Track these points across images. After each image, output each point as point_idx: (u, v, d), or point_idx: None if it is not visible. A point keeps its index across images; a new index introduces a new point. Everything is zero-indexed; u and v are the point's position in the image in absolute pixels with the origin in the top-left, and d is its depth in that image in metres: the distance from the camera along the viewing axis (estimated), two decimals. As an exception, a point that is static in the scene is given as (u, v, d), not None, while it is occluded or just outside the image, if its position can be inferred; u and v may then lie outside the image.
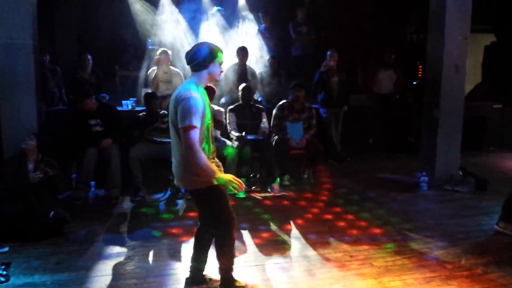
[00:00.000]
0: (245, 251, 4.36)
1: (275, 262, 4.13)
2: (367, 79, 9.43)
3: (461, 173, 6.58)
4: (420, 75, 10.27)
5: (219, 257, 3.54)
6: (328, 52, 8.08)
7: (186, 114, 3.06)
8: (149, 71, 7.62)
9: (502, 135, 9.46)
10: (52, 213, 4.64)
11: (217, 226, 3.48)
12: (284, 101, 6.96)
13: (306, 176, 7.00)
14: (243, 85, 6.86)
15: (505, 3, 10.09)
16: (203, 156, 3.11)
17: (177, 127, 3.15)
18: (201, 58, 3.20)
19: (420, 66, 10.19)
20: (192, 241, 3.69)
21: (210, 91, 6.64)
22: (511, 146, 9.28)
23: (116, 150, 5.99)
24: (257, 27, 9.23)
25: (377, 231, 4.94)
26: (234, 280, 3.59)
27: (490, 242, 4.65)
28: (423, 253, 4.35)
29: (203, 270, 3.69)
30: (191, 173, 3.22)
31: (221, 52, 3.30)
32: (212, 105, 6.54)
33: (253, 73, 8.03)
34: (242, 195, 6.01)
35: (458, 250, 4.41)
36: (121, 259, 4.19)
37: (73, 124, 6.11)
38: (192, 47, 3.30)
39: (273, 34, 9.18)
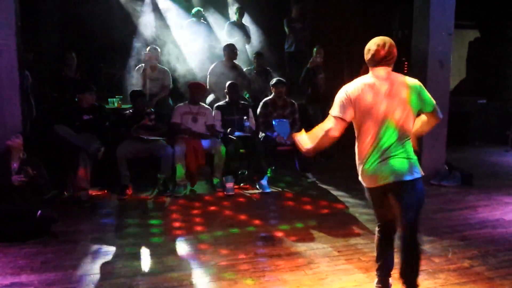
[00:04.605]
0: (233, 248, 4.36)
1: (263, 258, 4.14)
2: (355, 76, 9.43)
3: (447, 168, 6.65)
4: (405, 71, 10.32)
5: (417, 269, 3.17)
6: (315, 49, 8.09)
7: (428, 96, 3.18)
8: (136, 68, 7.54)
9: (487, 130, 9.57)
10: (39, 212, 4.59)
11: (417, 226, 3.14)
12: (267, 98, 6.97)
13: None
14: (229, 82, 6.85)
15: (489, -1, 10.20)
16: None
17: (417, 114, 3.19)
18: (395, 54, 3.24)
19: (406, 62, 10.23)
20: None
21: (200, 88, 6.65)
22: (495, 140, 9.39)
23: (83, 152, 5.76)
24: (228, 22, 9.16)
25: (364, 226, 4.97)
26: None
27: (476, 235, 4.70)
28: (410, 247, 4.38)
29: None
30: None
31: None
32: (201, 103, 6.60)
33: (242, 71, 7.97)
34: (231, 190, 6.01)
35: (445, 244, 4.46)
36: (109, 258, 4.16)
37: (65, 117, 6.05)
38: (382, 43, 3.27)
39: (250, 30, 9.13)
